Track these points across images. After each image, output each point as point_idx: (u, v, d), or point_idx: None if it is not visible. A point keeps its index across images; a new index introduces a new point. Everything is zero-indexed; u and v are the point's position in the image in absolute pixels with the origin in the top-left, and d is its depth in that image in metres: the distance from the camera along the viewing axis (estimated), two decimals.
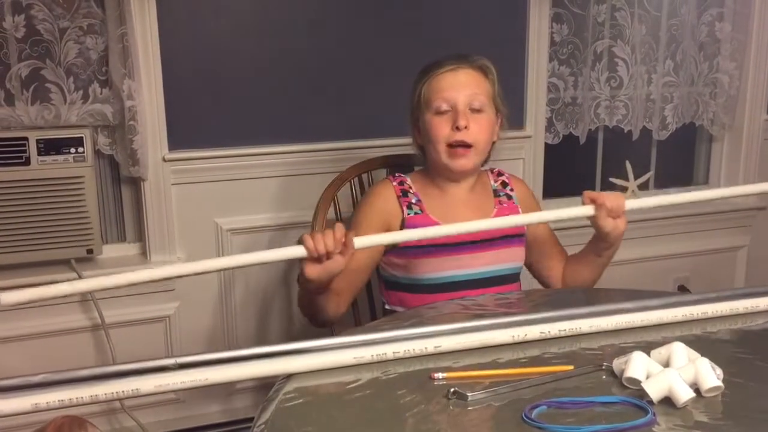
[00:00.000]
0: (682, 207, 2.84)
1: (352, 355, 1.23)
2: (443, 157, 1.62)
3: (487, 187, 1.74)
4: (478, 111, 1.62)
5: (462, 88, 1.61)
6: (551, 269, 1.78)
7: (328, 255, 1.36)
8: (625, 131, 2.67)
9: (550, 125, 2.59)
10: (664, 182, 2.93)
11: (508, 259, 1.69)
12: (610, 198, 1.51)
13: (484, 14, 2.40)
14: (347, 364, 1.22)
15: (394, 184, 1.70)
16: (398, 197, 1.67)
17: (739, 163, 2.88)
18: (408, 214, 1.65)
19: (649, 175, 2.87)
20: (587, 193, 1.52)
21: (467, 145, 1.60)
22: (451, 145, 1.61)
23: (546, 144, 2.59)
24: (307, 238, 1.35)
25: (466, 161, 1.63)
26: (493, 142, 1.71)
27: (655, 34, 2.63)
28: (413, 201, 1.67)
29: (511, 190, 1.75)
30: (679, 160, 3.01)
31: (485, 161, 1.73)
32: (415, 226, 1.61)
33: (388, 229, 1.65)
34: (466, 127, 1.59)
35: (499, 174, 1.79)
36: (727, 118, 2.79)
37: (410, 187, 1.69)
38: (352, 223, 1.67)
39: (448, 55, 1.67)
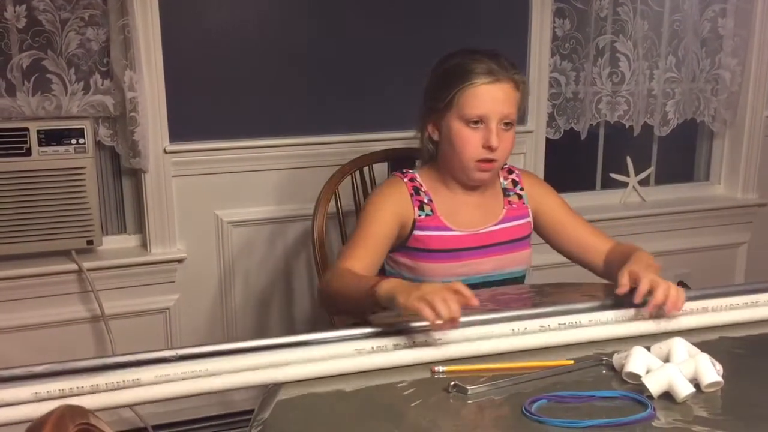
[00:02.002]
0: (683, 203, 2.85)
1: (353, 348, 1.23)
2: (468, 169, 1.60)
3: (497, 187, 1.71)
4: (507, 128, 1.58)
5: (498, 105, 1.56)
6: (589, 253, 1.68)
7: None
8: (627, 127, 2.67)
9: (551, 120, 2.58)
10: (665, 178, 2.93)
11: (514, 263, 1.68)
12: (661, 296, 1.32)
13: (487, 8, 2.40)
14: (348, 356, 1.22)
15: (405, 180, 1.66)
16: (411, 195, 1.64)
17: (740, 159, 2.87)
18: (419, 215, 1.62)
19: (650, 170, 2.87)
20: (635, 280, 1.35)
21: (493, 160, 1.59)
22: (478, 161, 1.58)
23: (547, 139, 2.59)
24: (425, 308, 1.20)
25: (487, 175, 1.61)
26: None
27: (657, 30, 2.62)
28: (425, 200, 1.64)
29: (522, 189, 1.72)
30: (680, 156, 3.01)
31: None
32: (425, 228, 1.62)
33: (402, 227, 1.62)
34: (497, 148, 1.56)
35: (510, 171, 1.74)
36: (729, 115, 2.78)
37: (421, 185, 1.66)
38: (361, 221, 1.61)
39: (482, 54, 1.59)
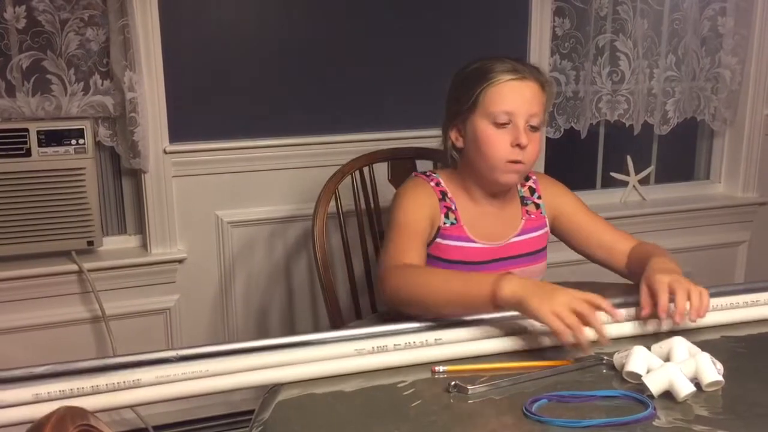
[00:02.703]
0: (683, 202, 2.85)
1: (353, 348, 1.23)
2: (497, 171, 1.53)
3: (515, 195, 1.65)
4: (534, 130, 1.52)
5: (526, 104, 1.50)
6: (612, 256, 1.63)
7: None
8: (627, 126, 2.67)
9: (551, 119, 2.58)
10: (665, 177, 2.93)
11: (531, 275, 1.62)
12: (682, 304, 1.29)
13: (487, 8, 2.40)
14: (348, 356, 1.22)
15: (432, 185, 1.59)
16: (439, 200, 1.58)
17: (740, 158, 2.87)
18: (444, 223, 1.57)
19: (650, 169, 2.87)
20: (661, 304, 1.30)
21: (521, 162, 1.53)
22: (508, 162, 1.52)
23: (547, 138, 2.59)
24: (560, 328, 1.18)
25: (516, 177, 1.55)
26: None
27: (657, 29, 2.62)
28: (452, 207, 1.58)
29: (539, 197, 1.66)
30: (681, 154, 3.01)
31: None
32: (447, 237, 1.57)
33: (432, 227, 1.56)
34: (526, 146, 1.51)
35: (526, 177, 1.67)
36: (729, 113, 2.78)
37: (446, 190, 1.60)
38: (393, 225, 1.54)
39: (504, 57, 1.55)
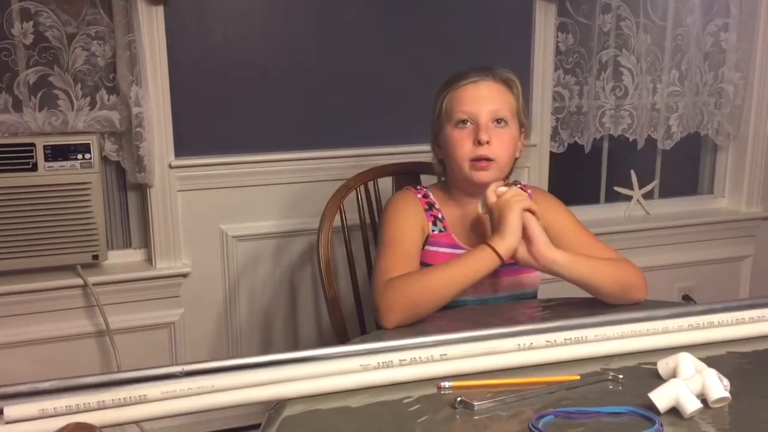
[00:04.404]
0: (687, 216, 2.85)
1: (359, 363, 1.23)
2: (465, 170, 1.56)
3: None
4: (500, 125, 1.56)
5: (485, 102, 1.55)
6: None
7: None
8: (630, 140, 2.68)
9: (555, 134, 2.59)
10: (669, 192, 2.93)
11: (524, 284, 1.65)
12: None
13: (490, 23, 2.41)
14: (353, 371, 1.22)
15: (419, 196, 1.64)
16: (425, 210, 1.62)
17: (743, 172, 2.88)
18: (433, 230, 1.60)
19: (654, 184, 2.87)
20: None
21: (489, 159, 1.55)
22: (473, 160, 1.55)
23: (551, 153, 2.59)
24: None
25: (487, 174, 1.55)
26: (516, 158, 1.65)
27: (660, 44, 2.63)
28: (439, 216, 1.62)
29: None
30: (684, 169, 3.01)
31: (507, 176, 1.66)
32: (436, 244, 1.59)
33: (422, 235, 1.60)
34: (488, 142, 1.53)
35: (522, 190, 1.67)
36: (732, 128, 2.79)
37: (434, 201, 1.64)
38: (382, 242, 1.57)
39: (471, 67, 1.61)
